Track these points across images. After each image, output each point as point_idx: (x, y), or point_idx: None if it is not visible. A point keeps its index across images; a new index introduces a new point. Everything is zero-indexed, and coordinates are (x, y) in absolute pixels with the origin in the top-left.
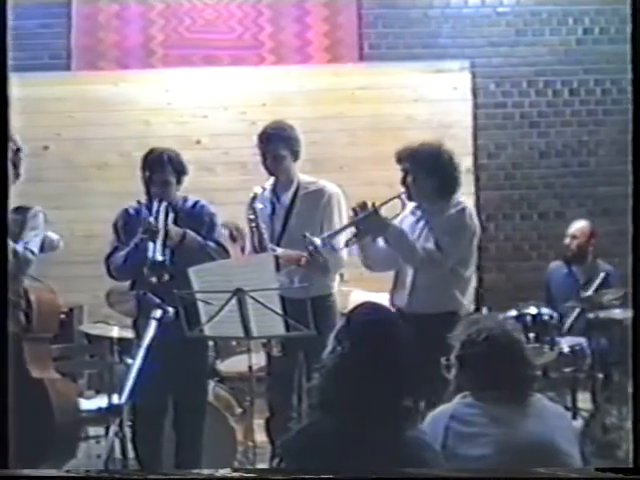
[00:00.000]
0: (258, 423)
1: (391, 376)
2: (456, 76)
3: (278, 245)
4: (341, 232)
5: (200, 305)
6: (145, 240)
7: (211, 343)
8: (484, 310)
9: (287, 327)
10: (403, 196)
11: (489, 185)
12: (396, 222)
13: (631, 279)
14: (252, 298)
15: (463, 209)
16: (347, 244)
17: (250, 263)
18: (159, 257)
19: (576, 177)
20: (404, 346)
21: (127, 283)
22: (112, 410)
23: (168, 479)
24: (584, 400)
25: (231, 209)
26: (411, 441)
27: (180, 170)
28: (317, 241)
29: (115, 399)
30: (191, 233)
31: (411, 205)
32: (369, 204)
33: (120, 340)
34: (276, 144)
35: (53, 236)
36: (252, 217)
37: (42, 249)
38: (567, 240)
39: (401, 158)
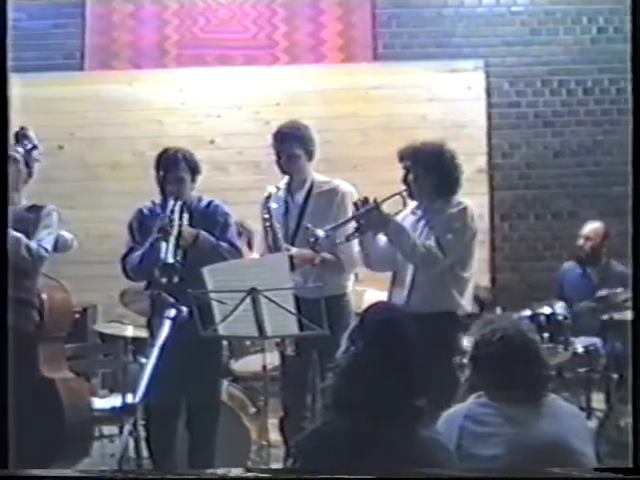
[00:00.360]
0: (272, 422)
1: (404, 376)
2: (470, 75)
3: (292, 244)
4: (343, 226)
5: (214, 305)
6: (159, 240)
7: (225, 343)
8: (498, 310)
9: (301, 327)
10: (404, 194)
11: (503, 185)
12: (397, 219)
13: (631, 279)
14: (266, 297)
15: (464, 209)
16: (348, 239)
17: (264, 262)
18: (170, 259)
19: (590, 177)
20: (417, 346)
21: (142, 283)
22: (126, 409)
23: (182, 479)
24: (598, 400)
25: (244, 208)
26: (425, 441)
27: (194, 169)
28: (319, 233)
29: (129, 398)
30: (204, 234)
31: (412, 204)
32: (371, 199)
33: (134, 339)
34: (291, 143)
35: (67, 235)
36: (266, 217)
37: (56, 248)
38: (581, 241)
39: (403, 156)
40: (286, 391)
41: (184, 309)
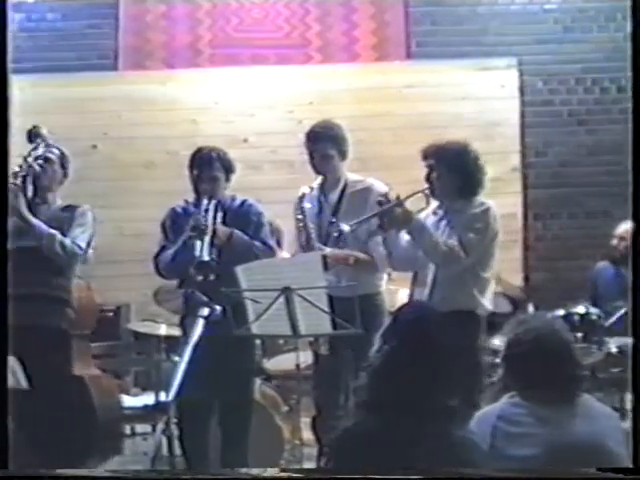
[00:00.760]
0: (304, 421)
1: (437, 375)
2: (503, 74)
3: (325, 244)
4: (367, 221)
5: (248, 303)
6: (193, 238)
7: (258, 341)
8: (531, 309)
9: (334, 326)
10: (427, 192)
11: (536, 184)
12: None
13: (631, 279)
14: (300, 296)
15: (487, 209)
16: (371, 235)
17: (298, 262)
18: (205, 257)
19: (624, 176)
20: (449, 345)
21: (175, 281)
22: (159, 408)
23: (216, 479)
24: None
25: (278, 208)
26: (460, 441)
27: (228, 168)
28: (344, 227)
29: (162, 397)
30: (238, 233)
31: (434, 204)
32: (394, 196)
33: (167, 338)
34: (324, 143)
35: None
36: (300, 216)
37: (90, 246)
38: (615, 241)
39: (427, 154)
40: (319, 390)
41: (217, 308)
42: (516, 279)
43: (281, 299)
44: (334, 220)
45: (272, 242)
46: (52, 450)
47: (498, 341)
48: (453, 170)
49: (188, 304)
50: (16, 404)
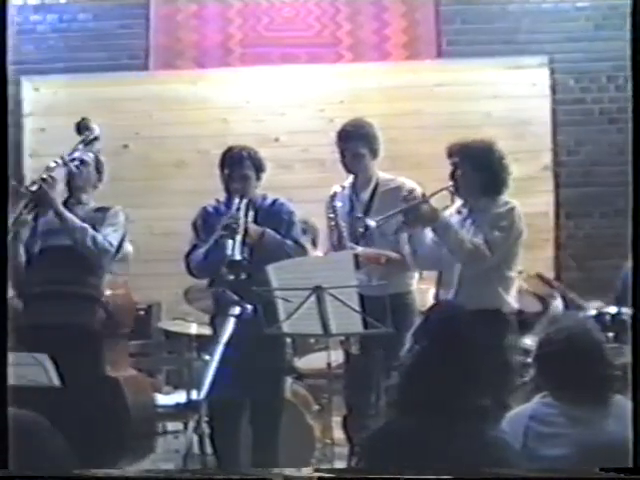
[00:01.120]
0: (335, 420)
1: (468, 375)
2: (535, 72)
3: (357, 243)
4: (393, 217)
5: (279, 302)
6: (224, 237)
7: (289, 340)
8: (559, 306)
9: (365, 325)
10: (451, 189)
11: (568, 182)
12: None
13: (631, 279)
14: (331, 295)
15: (512, 209)
16: (396, 232)
17: (329, 260)
18: (237, 256)
19: None
20: (480, 345)
21: (205, 280)
22: (190, 406)
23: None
24: None
25: (309, 207)
26: (492, 441)
27: (259, 167)
28: (371, 223)
29: (193, 395)
30: (270, 232)
31: (458, 202)
32: (419, 193)
33: (198, 337)
34: (355, 142)
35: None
36: (331, 215)
37: (122, 246)
38: None
39: (452, 152)
40: (350, 389)
41: (249, 306)
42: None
43: (312, 298)
44: (360, 215)
45: (303, 241)
46: (85, 450)
47: (530, 341)
48: (477, 168)
49: (219, 303)
50: (48, 402)
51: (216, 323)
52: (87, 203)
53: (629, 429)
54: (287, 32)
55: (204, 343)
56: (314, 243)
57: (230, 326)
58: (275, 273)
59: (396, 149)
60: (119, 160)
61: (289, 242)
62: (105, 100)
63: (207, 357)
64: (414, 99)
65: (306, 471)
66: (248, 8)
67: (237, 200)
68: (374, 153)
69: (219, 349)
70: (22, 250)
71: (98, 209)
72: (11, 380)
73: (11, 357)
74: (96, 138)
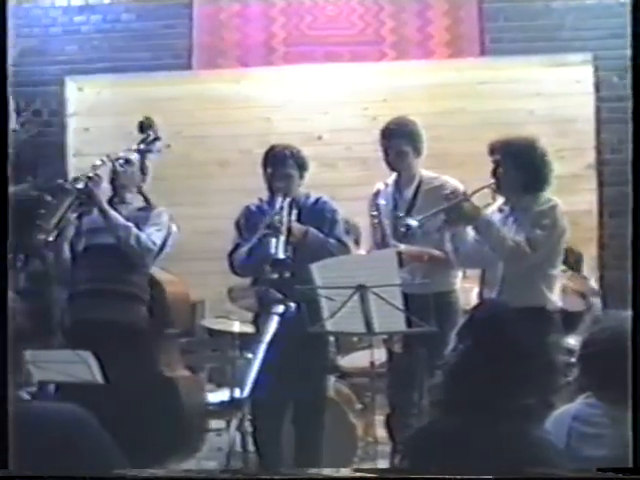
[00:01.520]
0: (378, 419)
1: (513, 374)
2: (578, 69)
3: (400, 241)
4: (434, 216)
5: (322, 301)
6: (268, 236)
7: (332, 339)
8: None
9: (409, 323)
10: (493, 187)
11: (612, 181)
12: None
13: (631, 279)
14: (374, 294)
15: (555, 207)
16: (438, 230)
17: (373, 259)
18: (280, 255)
19: None
20: (525, 344)
21: (249, 279)
22: (234, 404)
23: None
24: None
25: (352, 205)
26: (536, 441)
27: (301, 165)
28: (412, 222)
29: (236, 393)
30: (313, 230)
31: (500, 200)
32: (461, 192)
33: (241, 335)
34: (399, 140)
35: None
36: (374, 213)
37: (165, 246)
38: None
39: (494, 149)
40: (393, 388)
41: (292, 305)
42: (591, 277)
43: (355, 296)
44: (402, 214)
45: (346, 239)
46: (132, 449)
47: (573, 340)
48: (519, 166)
49: (262, 301)
50: (94, 400)
51: (259, 321)
52: (131, 202)
53: None
54: (330, 30)
55: (247, 341)
56: (357, 242)
57: (273, 324)
58: (318, 271)
59: (439, 147)
60: (162, 159)
61: (332, 240)
62: (148, 100)
63: (250, 355)
64: (457, 97)
65: (345, 471)
66: (291, 7)
67: (280, 199)
68: (417, 151)
69: (262, 347)
70: (67, 248)
71: (142, 208)
72: (56, 377)
73: (55, 354)
74: (157, 138)
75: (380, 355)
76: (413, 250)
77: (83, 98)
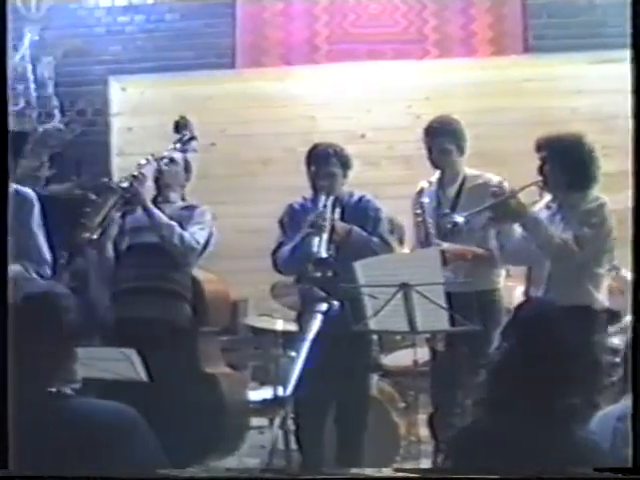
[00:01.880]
0: (421, 418)
1: (558, 374)
2: (622, 66)
3: (444, 240)
4: (481, 213)
5: (365, 299)
6: (311, 235)
7: (375, 337)
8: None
9: (452, 322)
10: (540, 184)
11: None
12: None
13: (631, 279)
14: (418, 292)
15: (603, 204)
16: (484, 227)
17: (416, 257)
18: (323, 254)
19: None
20: (570, 343)
21: (291, 277)
22: (277, 402)
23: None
24: None
25: (395, 203)
26: (581, 441)
27: (345, 164)
28: (458, 219)
29: (279, 391)
30: (357, 229)
31: (547, 197)
32: (507, 188)
33: (284, 333)
34: (442, 138)
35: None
36: (418, 212)
37: (208, 244)
38: None
39: (540, 146)
40: (436, 386)
41: (335, 303)
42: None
43: (399, 295)
44: (447, 211)
45: (390, 238)
46: (173, 447)
47: (617, 340)
48: (567, 162)
49: (305, 300)
50: (136, 398)
51: (303, 320)
52: (175, 201)
53: None
54: (373, 28)
55: (290, 339)
56: (401, 241)
57: (317, 323)
58: (362, 270)
59: (482, 146)
60: (206, 158)
61: (375, 239)
62: (192, 99)
63: (293, 354)
64: (500, 95)
65: (387, 471)
66: (335, 5)
67: (324, 197)
68: (461, 149)
69: (306, 346)
70: (110, 246)
71: (185, 207)
72: (99, 374)
73: (99, 351)
74: (193, 138)
75: (423, 354)
76: (457, 248)
77: (126, 98)
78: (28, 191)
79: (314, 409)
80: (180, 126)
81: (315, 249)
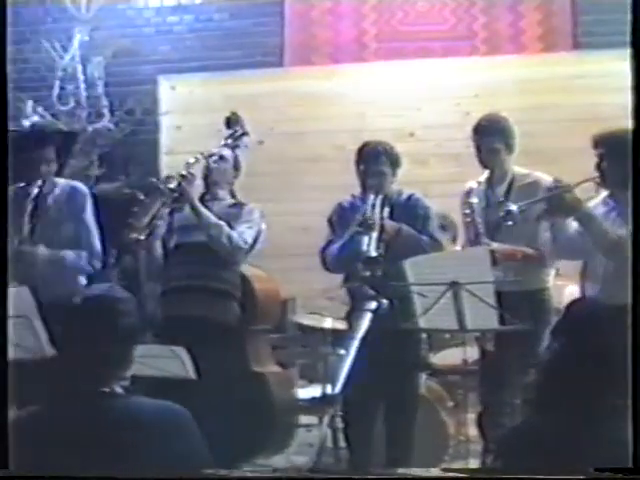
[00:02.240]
0: (470, 417)
1: (609, 374)
2: None
3: (493, 239)
4: (536, 204)
5: (414, 297)
6: (360, 233)
7: (424, 336)
8: None
9: (502, 321)
10: (597, 180)
11: None
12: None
13: (631, 278)
14: (467, 291)
15: None
16: (538, 219)
17: (466, 256)
18: (373, 252)
19: None
20: (619, 343)
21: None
22: (326, 400)
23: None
24: None
25: (445, 201)
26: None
27: (394, 162)
28: (513, 207)
29: (328, 389)
30: (406, 227)
31: (604, 194)
32: (564, 182)
33: (333, 331)
34: (491, 137)
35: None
36: (467, 211)
37: (256, 243)
38: None
39: (597, 143)
40: (485, 386)
41: (384, 301)
42: None
43: (448, 293)
44: (502, 199)
45: (439, 236)
46: (222, 444)
47: None
48: (624, 159)
49: (355, 298)
50: (185, 395)
51: (352, 318)
52: (223, 199)
53: None
54: (422, 26)
55: (339, 338)
56: (454, 239)
57: (366, 321)
58: (411, 268)
59: (532, 143)
60: (255, 156)
61: (425, 237)
62: (240, 97)
63: (342, 352)
64: (550, 92)
65: (435, 471)
66: (382, 3)
67: (373, 196)
68: (510, 148)
69: (355, 344)
70: (159, 245)
71: (234, 205)
72: (149, 372)
73: (149, 349)
74: (245, 133)
75: (472, 353)
76: (506, 248)
77: (176, 97)
78: (82, 186)
79: (363, 407)
80: (232, 122)
81: (364, 248)
